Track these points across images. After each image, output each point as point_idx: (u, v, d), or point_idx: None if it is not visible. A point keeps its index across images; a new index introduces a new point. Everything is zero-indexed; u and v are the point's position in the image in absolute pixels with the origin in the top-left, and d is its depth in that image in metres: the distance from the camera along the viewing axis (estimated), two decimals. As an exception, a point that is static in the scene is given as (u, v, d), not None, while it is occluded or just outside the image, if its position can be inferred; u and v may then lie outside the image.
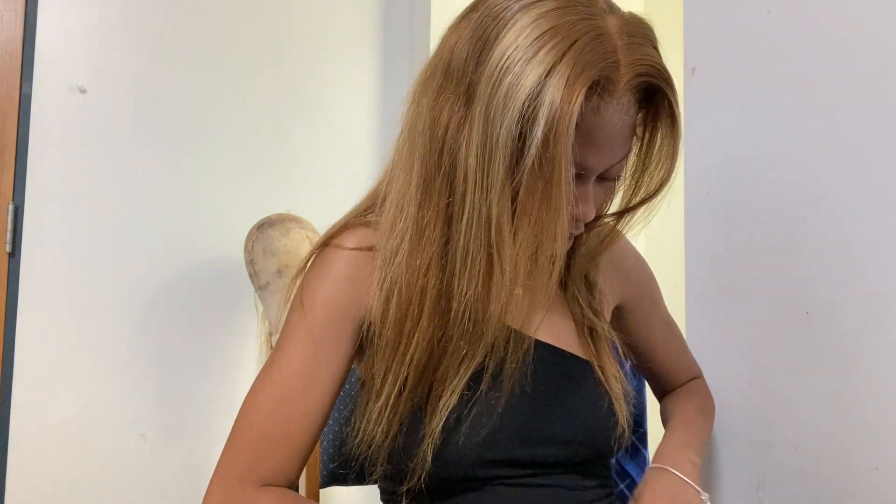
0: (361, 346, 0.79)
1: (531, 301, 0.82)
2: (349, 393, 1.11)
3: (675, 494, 0.79)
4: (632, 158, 0.75)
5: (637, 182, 0.77)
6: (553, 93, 0.62)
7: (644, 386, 1.20)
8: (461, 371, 0.73)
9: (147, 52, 1.72)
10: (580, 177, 0.70)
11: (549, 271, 0.70)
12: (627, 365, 1.08)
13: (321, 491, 1.18)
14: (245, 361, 1.76)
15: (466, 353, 0.73)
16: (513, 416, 0.77)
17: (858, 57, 0.93)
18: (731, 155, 1.09)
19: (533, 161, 0.63)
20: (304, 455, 0.77)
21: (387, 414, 0.74)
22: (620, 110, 0.68)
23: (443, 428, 0.73)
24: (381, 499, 0.86)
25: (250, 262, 1.57)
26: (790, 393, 0.99)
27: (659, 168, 0.75)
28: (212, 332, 1.74)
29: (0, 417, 1.54)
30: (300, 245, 1.54)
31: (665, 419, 0.97)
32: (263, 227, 1.57)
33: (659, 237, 2.04)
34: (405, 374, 0.73)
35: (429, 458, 0.73)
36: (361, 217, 0.81)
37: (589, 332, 0.85)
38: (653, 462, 0.85)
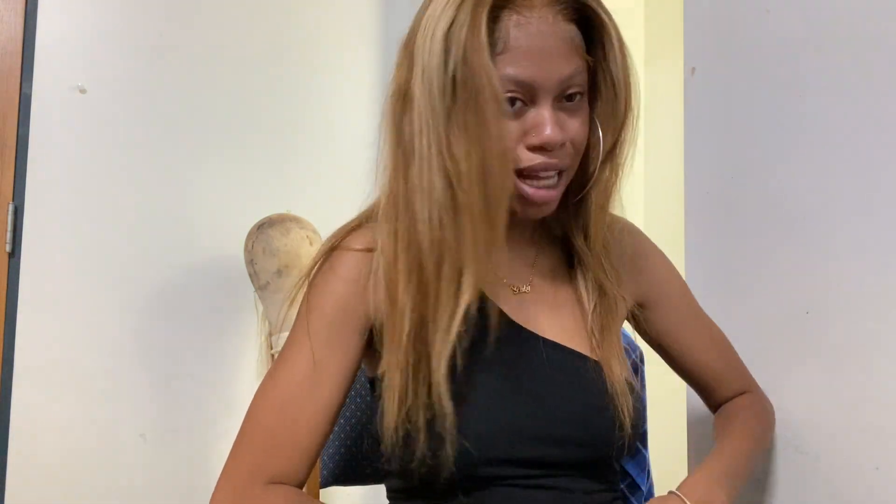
0: (373, 347, 0.80)
1: (511, 266, 0.83)
2: (359, 392, 1.11)
3: None
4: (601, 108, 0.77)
5: (607, 118, 0.78)
6: (463, 17, 0.69)
7: (644, 385, 1.20)
8: (448, 338, 0.72)
9: (147, 53, 1.72)
10: (533, 99, 0.73)
11: (501, 198, 0.71)
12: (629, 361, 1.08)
13: (321, 491, 1.18)
14: (245, 362, 1.76)
15: (450, 315, 0.72)
16: (520, 416, 0.77)
17: (858, 57, 0.93)
18: (731, 155, 1.09)
19: (459, 80, 0.69)
20: (312, 455, 0.77)
21: (399, 406, 0.73)
22: (546, 21, 0.72)
23: (452, 425, 0.73)
24: (388, 496, 0.86)
25: (250, 262, 1.57)
26: (790, 393, 0.99)
27: (618, 95, 0.77)
28: (212, 332, 1.74)
29: (0, 417, 1.54)
30: (300, 245, 1.54)
31: (714, 442, 0.88)
32: (263, 227, 1.57)
33: (659, 237, 2.04)
34: (405, 358, 0.73)
35: (442, 456, 0.73)
36: (367, 219, 0.82)
37: (598, 330, 0.84)
38: (678, 489, 0.77)
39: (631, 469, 1.15)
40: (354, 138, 1.92)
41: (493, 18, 0.71)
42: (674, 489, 0.77)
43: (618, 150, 0.80)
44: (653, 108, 2.23)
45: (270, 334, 1.60)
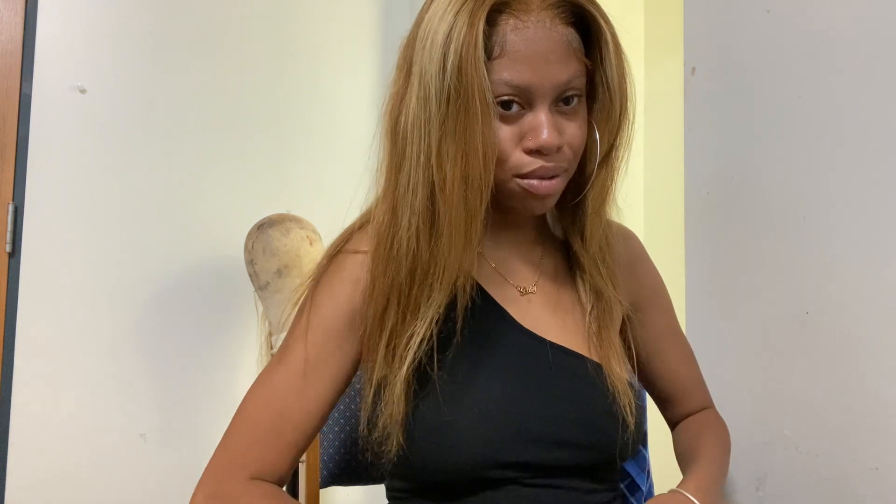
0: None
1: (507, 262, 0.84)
2: (359, 393, 1.11)
3: None
4: (599, 109, 0.77)
5: (603, 121, 0.78)
6: (460, 25, 0.69)
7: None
8: (411, 345, 0.74)
9: (147, 52, 1.72)
10: (530, 103, 0.73)
11: (479, 209, 0.72)
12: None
13: (321, 491, 1.18)
14: (245, 361, 1.76)
15: (420, 320, 0.74)
16: (528, 420, 0.77)
17: (858, 56, 0.93)
18: (731, 155, 1.09)
19: (452, 87, 0.69)
20: (295, 451, 0.77)
21: (396, 402, 0.74)
22: (543, 25, 0.71)
23: (454, 426, 0.73)
24: (388, 496, 0.86)
25: (250, 263, 1.57)
26: (790, 393, 0.99)
27: (613, 100, 0.77)
28: (212, 332, 1.74)
29: (0, 417, 1.54)
30: (300, 245, 1.54)
31: (687, 450, 0.90)
32: (263, 227, 1.57)
33: (659, 237, 2.04)
34: (382, 360, 0.75)
35: (439, 455, 0.74)
36: (370, 220, 0.82)
37: (597, 333, 0.84)
38: (680, 487, 0.78)
39: (631, 469, 1.15)
40: (355, 139, 1.92)
41: (491, 22, 0.71)
42: (675, 487, 0.77)
43: (613, 154, 0.80)
44: (653, 108, 2.23)
45: (270, 334, 1.60)
